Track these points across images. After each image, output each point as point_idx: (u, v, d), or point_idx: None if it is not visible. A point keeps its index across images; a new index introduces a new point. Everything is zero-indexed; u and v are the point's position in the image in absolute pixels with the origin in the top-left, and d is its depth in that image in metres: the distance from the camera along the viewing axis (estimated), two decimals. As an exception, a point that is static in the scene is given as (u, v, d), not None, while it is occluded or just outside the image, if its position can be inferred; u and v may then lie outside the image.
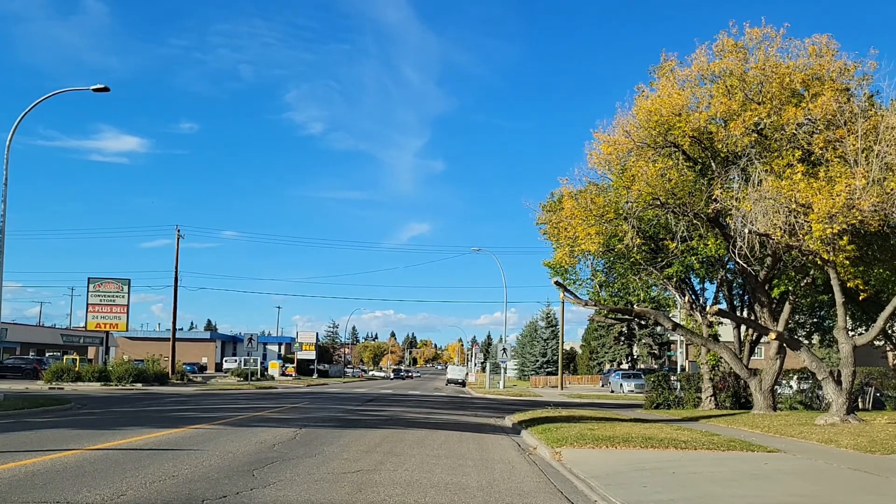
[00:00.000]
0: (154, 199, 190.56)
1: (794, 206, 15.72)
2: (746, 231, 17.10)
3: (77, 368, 45.85)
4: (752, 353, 26.71)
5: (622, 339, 68.89)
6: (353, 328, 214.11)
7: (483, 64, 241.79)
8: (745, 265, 18.82)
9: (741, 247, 17.70)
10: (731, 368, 26.04)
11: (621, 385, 49.53)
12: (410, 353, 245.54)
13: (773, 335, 20.47)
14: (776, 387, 24.74)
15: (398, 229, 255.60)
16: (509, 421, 22.18)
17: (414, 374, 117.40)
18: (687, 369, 44.07)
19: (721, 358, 25.72)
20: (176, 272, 55.56)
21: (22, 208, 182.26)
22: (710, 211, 19.37)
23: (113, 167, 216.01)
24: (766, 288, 22.50)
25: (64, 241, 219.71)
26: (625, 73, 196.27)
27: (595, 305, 21.64)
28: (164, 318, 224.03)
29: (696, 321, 26.17)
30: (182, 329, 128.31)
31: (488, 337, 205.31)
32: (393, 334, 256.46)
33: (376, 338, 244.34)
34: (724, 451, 13.27)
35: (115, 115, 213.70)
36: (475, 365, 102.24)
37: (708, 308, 21.99)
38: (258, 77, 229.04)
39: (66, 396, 29.67)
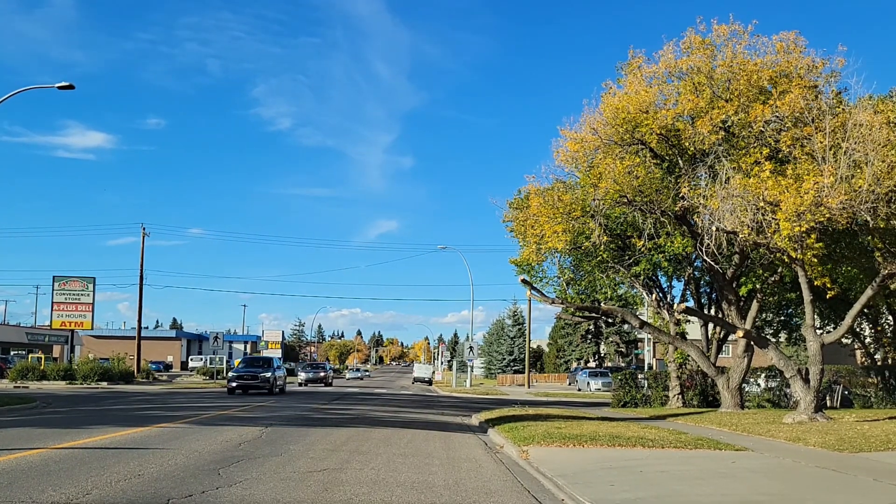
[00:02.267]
0: (120, 196, 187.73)
1: (761, 203, 15.81)
2: (714, 229, 17.18)
3: (42, 367, 45.23)
4: (719, 351, 26.94)
5: (589, 337, 69.26)
6: (320, 326, 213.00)
7: (454, 58, 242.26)
8: (712, 263, 18.92)
9: (708, 245, 17.79)
10: (698, 367, 26.23)
11: (588, 383, 49.76)
12: (377, 351, 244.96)
13: (740, 333, 20.61)
14: (744, 385, 24.97)
15: (366, 226, 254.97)
16: (476, 419, 22.11)
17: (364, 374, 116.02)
18: (654, 367, 44.39)
19: (689, 356, 25.90)
20: (141, 271, 54.75)
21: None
22: (677, 209, 19.44)
23: (79, 163, 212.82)
24: (734, 286, 22.66)
25: (30, 239, 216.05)
26: (594, 69, 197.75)
27: (562, 303, 21.64)
28: (130, 316, 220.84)
29: (664, 319, 26.32)
30: (148, 328, 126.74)
31: (455, 335, 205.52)
32: (359, 332, 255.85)
33: (342, 336, 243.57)
34: (691, 449, 13.28)
35: (82, 111, 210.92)
36: (442, 363, 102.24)
37: (676, 306, 22.10)
38: (226, 72, 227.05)
39: (32, 395, 29.34)
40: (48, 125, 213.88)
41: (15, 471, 9.36)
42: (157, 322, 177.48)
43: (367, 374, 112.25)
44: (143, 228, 55.39)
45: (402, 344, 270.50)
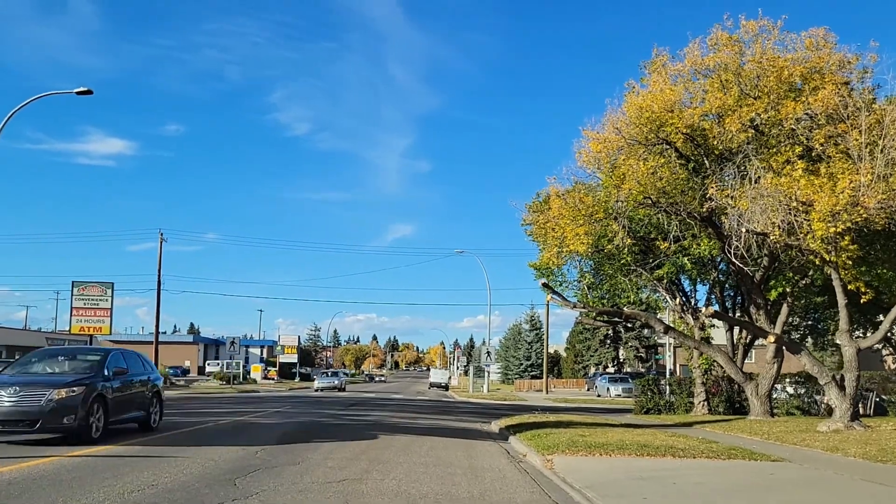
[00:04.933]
0: (139, 201, 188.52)
1: (794, 203, 15.27)
2: (743, 230, 16.64)
3: (59, 372, 44.99)
4: (745, 356, 26.28)
5: (608, 342, 68.45)
6: (335, 331, 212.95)
7: (470, 60, 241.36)
8: (741, 266, 18.34)
9: (737, 247, 17.25)
10: (724, 372, 25.61)
11: (608, 389, 49.00)
12: (392, 356, 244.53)
13: (772, 338, 20.01)
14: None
15: (382, 231, 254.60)
16: (496, 426, 21.67)
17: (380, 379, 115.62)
18: (678, 373, 43.67)
19: (714, 362, 25.29)
20: (159, 276, 54.63)
21: (8, 212, 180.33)
22: (703, 210, 18.90)
23: (100, 170, 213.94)
24: (763, 289, 22.05)
25: (50, 245, 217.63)
26: (613, 70, 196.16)
27: (583, 307, 21.14)
28: (148, 321, 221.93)
29: (688, 324, 25.71)
30: (165, 332, 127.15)
31: (471, 340, 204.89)
32: (375, 337, 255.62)
33: (358, 341, 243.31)
34: (725, 459, 12.76)
35: (102, 118, 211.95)
36: (458, 368, 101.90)
37: (703, 310, 21.52)
38: (244, 77, 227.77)
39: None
40: (69, 132, 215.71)
41: (27, 480, 9.12)
42: (175, 327, 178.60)
43: (383, 379, 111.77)
44: (161, 234, 55.31)
45: (417, 349, 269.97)
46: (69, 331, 54.55)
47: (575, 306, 20.85)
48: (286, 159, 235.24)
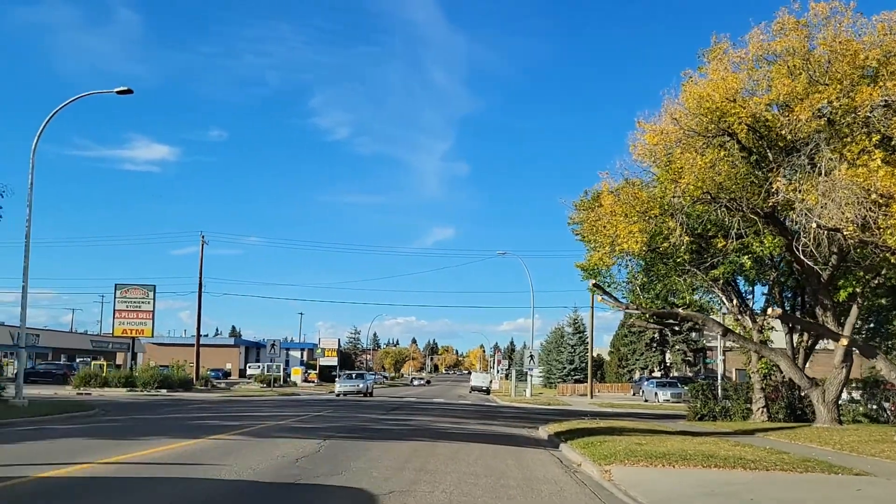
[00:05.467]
0: (183, 206, 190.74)
1: (872, 197, 14.15)
2: (812, 226, 15.55)
3: (104, 374, 45.52)
4: (806, 360, 24.95)
5: (654, 345, 66.81)
6: (375, 334, 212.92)
7: (510, 63, 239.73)
8: (811, 264, 17.19)
9: (805, 243, 16.15)
10: (783, 377, 24.39)
11: (656, 394, 47.59)
12: (432, 359, 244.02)
13: (844, 341, 18.79)
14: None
15: (422, 234, 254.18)
16: (544, 432, 20.85)
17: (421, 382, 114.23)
18: (734, 378, 42.15)
19: (774, 366, 24.04)
20: (200, 278, 54.90)
21: (56, 217, 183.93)
22: (767, 205, 17.81)
23: (145, 176, 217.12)
24: (830, 290, 20.78)
25: (97, 249, 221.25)
26: (660, 75, 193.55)
27: (636, 309, 20.13)
28: (191, 324, 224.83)
29: (745, 327, 24.50)
30: (207, 335, 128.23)
31: (511, 343, 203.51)
32: (414, 340, 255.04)
33: (397, 344, 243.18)
34: (801, 472, 11.75)
35: (146, 124, 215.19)
36: (498, 372, 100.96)
37: (770, 311, 20.36)
38: (284, 82, 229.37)
39: (92, 402, 29.35)
40: (114, 138, 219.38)
41: (56, 488, 8.73)
42: (217, 330, 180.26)
43: (422, 382, 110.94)
44: (203, 237, 55.57)
45: (456, 352, 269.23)
46: (112, 333, 54.88)
47: (627, 308, 19.85)
48: (326, 163, 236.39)
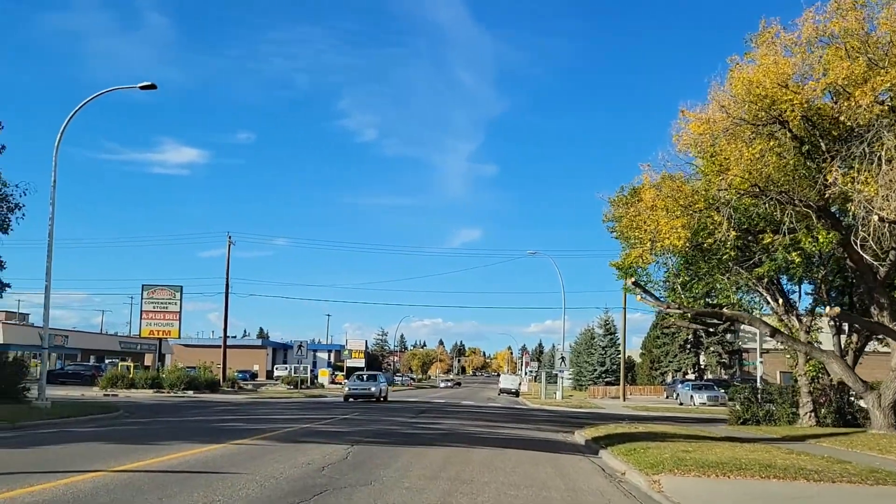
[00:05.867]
0: (211, 209, 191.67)
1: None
2: (874, 219, 14.48)
3: (131, 375, 45.29)
4: (856, 362, 23.70)
5: (688, 347, 65.31)
6: (402, 336, 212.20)
7: (538, 63, 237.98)
8: (870, 260, 16.10)
9: (864, 237, 15.07)
10: (830, 380, 23.21)
11: (692, 397, 46.26)
12: (459, 361, 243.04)
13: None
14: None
15: (449, 236, 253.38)
16: (581, 437, 19.96)
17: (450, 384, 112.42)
18: (777, 380, 40.77)
19: (822, 369, 22.86)
20: (227, 279, 54.51)
21: (88, 220, 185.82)
22: (822, 198, 16.75)
23: (174, 179, 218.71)
24: (887, 287, 19.58)
25: (127, 252, 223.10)
26: (687, 72, 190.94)
27: (678, 308, 19.11)
28: (219, 326, 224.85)
29: (791, 327, 23.31)
30: (235, 337, 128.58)
31: (539, 345, 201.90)
32: (441, 342, 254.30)
33: (424, 345, 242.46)
34: (871, 485, 10.76)
35: (175, 128, 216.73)
36: (526, 374, 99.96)
37: (827, 310, 19.23)
38: (311, 85, 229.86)
39: (117, 404, 28.95)
40: (144, 142, 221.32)
41: (60, 501, 8.04)
42: (245, 332, 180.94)
43: (449, 384, 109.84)
44: (230, 237, 55.22)
45: (484, 354, 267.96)
46: (139, 334, 54.73)
47: (668, 307, 18.86)
48: (353, 165, 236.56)
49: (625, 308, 53.18)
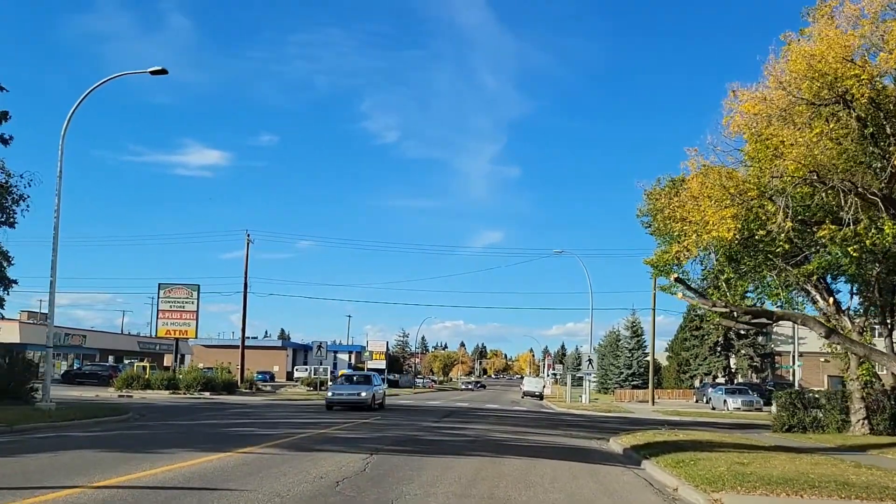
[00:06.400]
0: (234, 211, 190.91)
1: None
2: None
3: (147, 376, 44.36)
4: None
5: (718, 350, 63.36)
6: (423, 338, 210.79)
7: (562, 65, 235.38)
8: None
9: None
10: (882, 385, 21.54)
11: (725, 402, 44.38)
12: (480, 363, 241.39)
13: None
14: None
15: (471, 238, 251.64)
16: (617, 445, 18.53)
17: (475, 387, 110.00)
18: (826, 385, 39.06)
19: (874, 373, 21.20)
20: (245, 278, 53.37)
21: (114, 221, 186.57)
22: (885, 186, 15.15)
23: (197, 180, 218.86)
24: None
25: (151, 253, 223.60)
26: (715, 74, 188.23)
27: (724, 307, 17.55)
28: (240, 326, 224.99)
29: (842, 328, 21.62)
30: (257, 337, 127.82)
31: (562, 347, 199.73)
32: (463, 344, 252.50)
33: (446, 347, 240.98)
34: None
35: (199, 130, 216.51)
36: (548, 376, 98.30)
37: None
38: (333, 87, 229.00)
39: (129, 405, 27.93)
40: (168, 144, 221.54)
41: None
42: (266, 332, 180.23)
43: (470, 386, 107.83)
44: (248, 235, 54.10)
45: (505, 356, 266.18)
46: (155, 334, 53.83)
47: (714, 305, 17.32)
48: (376, 167, 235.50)
49: (654, 309, 51.47)
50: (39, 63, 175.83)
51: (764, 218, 16.54)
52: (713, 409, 45.44)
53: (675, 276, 18.07)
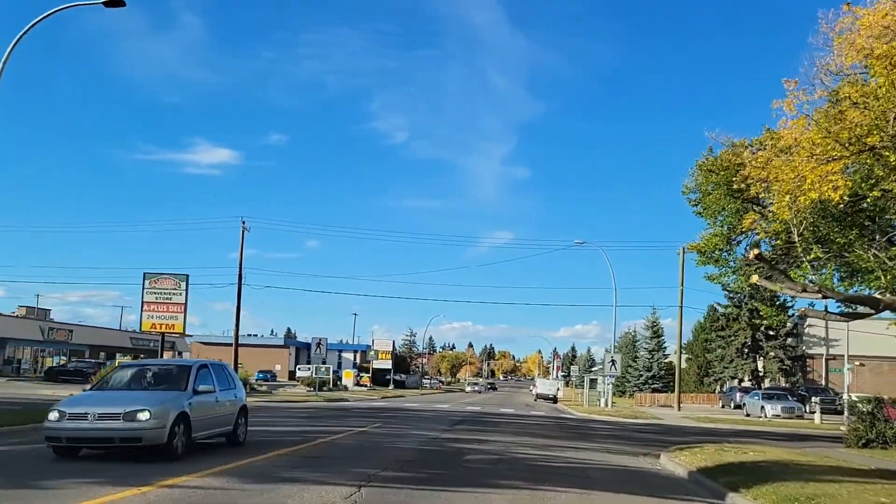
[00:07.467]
0: (244, 209, 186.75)
1: None
2: None
3: (126, 373, 40.22)
4: None
5: (745, 351, 59.15)
6: (431, 338, 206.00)
7: (574, 66, 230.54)
8: None
9: None
10: None
11: (762, 408, 40.16)
12: (488, 364, 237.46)
13: None
14: None
15: (480, 238, 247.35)
16: (675, 464, 14.84)
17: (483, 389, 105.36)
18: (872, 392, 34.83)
19: None
20: (240, 269, 49.32)
21: (123, 220, 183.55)
22: None
23: (206, 179, 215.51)
24: None
25: (157, 251, 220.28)
26: (729, 76, 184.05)
27: (817, 292, 13.67)
28: (250, 325, 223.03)
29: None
30: (256, 335, 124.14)
31: (573, 349, 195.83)
32: (471, 345, 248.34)
33: (454, 348, 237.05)
34: None
35: (209, 128, 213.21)
36: (558, 377, 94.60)
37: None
38: (343, 87, 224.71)
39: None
40: (177, 142, 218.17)
41: None
42: (272, 331, 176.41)
43: (477, 388, 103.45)
44: (244, 223, 50.05)
45: (513, 357, 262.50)
46: (139, 329, 49.94)
47: (805, 289, 13.42)
48: (385, 167, 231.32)
49: (681, 307, 47.41)
50: (51, 60, 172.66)
51: (881, 174, 12.56)
52: (747, 415, 41.31)
53: (755, 252, 14.08)
